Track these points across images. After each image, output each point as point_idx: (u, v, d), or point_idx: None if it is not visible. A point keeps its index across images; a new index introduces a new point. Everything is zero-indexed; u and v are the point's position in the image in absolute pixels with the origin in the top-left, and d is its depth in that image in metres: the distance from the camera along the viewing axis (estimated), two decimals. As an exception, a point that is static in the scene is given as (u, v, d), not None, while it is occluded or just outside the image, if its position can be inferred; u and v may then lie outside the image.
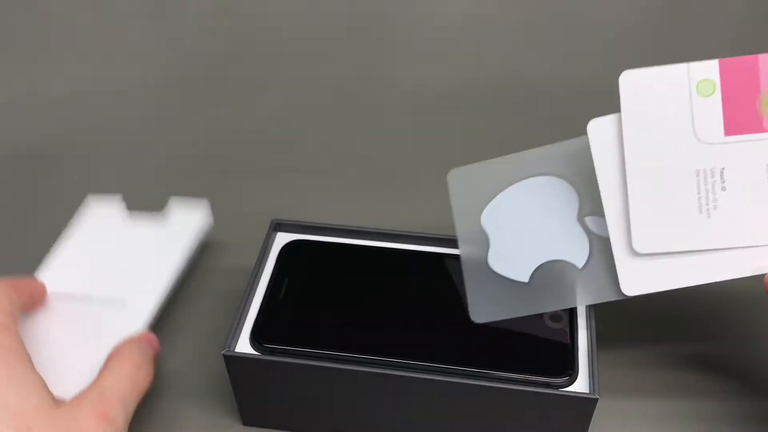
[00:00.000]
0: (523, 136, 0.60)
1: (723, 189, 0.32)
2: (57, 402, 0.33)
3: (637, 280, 0.34)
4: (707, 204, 0.32)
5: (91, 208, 0.52)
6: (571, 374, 0.35)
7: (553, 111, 0.64)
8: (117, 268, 0.47)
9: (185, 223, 0.50)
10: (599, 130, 0.34)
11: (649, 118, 0.32)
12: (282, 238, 0.43)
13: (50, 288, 0.45)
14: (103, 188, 0.57)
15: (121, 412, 0.34)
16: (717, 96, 0.32)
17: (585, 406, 0.35)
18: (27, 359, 0.34)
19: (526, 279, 0.37)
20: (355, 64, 0.70)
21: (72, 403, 0.33)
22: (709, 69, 0.32)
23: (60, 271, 0.47)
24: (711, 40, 0.73)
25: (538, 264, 0.37)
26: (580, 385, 0.35)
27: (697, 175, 0.32)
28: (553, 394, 0.34)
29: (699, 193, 0.32)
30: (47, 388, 0.33)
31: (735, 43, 0.73)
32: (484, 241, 0.37)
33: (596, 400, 0.34)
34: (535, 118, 0.63)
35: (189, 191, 0.57)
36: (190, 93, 0.67)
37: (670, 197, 0.32)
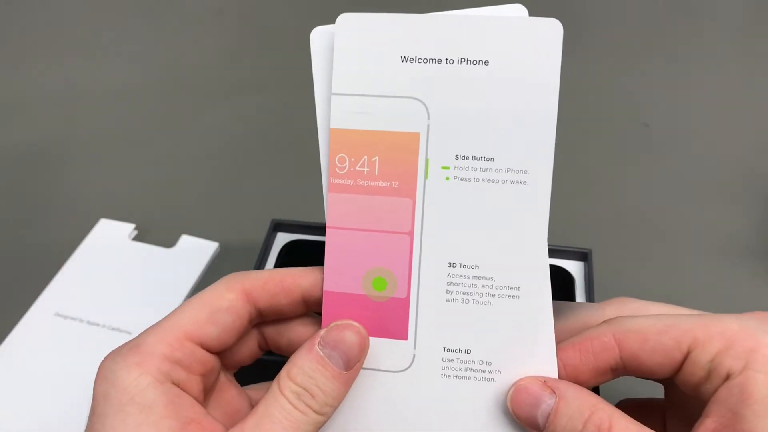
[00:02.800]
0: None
1: None
2: None
3: None
4: None
5: (103, 232, 0.52)
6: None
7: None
8: (124, 297, 0.47)
9: (194, 256, 0.50)
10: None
11: None
12: (282, 238, 0.43)
13: (57, 311, 0.46)
14: (103, 188, 0.57)
15: None
16: None
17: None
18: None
19: None
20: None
21: None
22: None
23: (68, 294, 0.47)
24: (711, 39, 0.73)
25: None
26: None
27: None
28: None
29: None
30: None
31: (735, 43, 0.73)
32: None
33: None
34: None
35: (188, 190, 0.57)
36: (190, 93, 0.67)
37: None
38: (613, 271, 0.47)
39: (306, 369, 0.25)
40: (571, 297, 0.39)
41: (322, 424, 0.26)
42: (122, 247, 0.51)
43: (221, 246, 0.51)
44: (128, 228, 0.52)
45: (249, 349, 0.30)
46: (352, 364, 0.26)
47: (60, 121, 0.64)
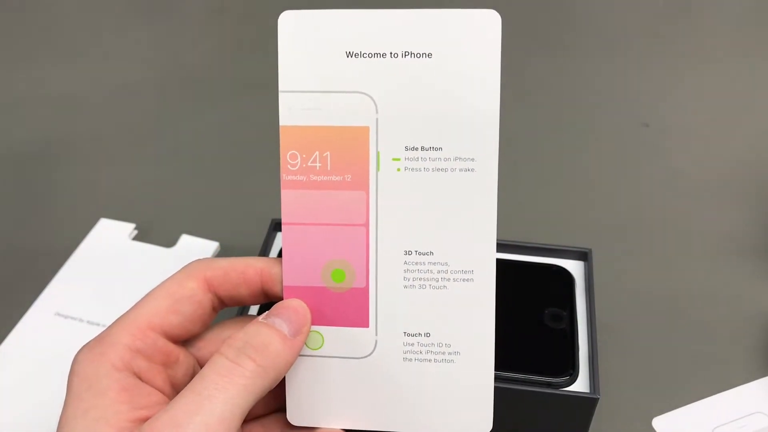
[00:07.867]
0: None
1: None
2: None
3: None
4: None
5: (102, 232, 0.52)
6: (572, 374, 0.35)
7: (548, 114, 0.64)
8: (124, 297, 0.47)
9: (194, 256, 0.50)
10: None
11: None
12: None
13: (57, 310, 0.46)
14: (103, 188, 0.57)
15: None
16: None
17: (586, 405, 0.35)
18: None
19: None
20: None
21: None
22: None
23: (68, 294, 0.47)
24: (711, 38, 0.73)
25: None
26: (580, 385, 0.35)
27: None
28: (554, 394, 0.34)
29: None
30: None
31: (735, 43, 0.73)
32: None
33: (597, 399, 0.34)
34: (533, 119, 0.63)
35: (188, 190, 0.57)
36: (189, 93, 0.67)
37: None
38: (613, 271, 0.47)
39: (250, 331, 0.25)
40: (571, 297, 0.39)
41: (261, 387, 0.24)
42: (122, 247, 0.51)
43: (221, 246, 0.51)
44: (128, 228, 0.52)
45: None
46: (295, 330, 0.26)
47: (60, 121, 0.64)
